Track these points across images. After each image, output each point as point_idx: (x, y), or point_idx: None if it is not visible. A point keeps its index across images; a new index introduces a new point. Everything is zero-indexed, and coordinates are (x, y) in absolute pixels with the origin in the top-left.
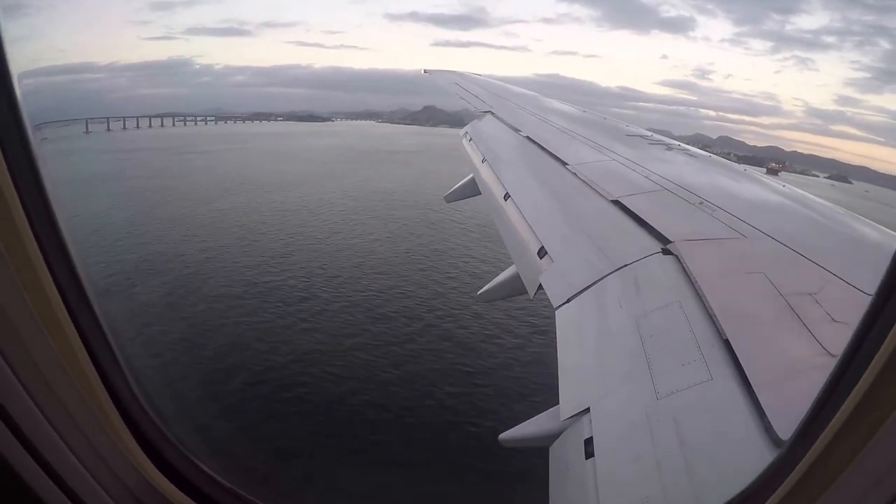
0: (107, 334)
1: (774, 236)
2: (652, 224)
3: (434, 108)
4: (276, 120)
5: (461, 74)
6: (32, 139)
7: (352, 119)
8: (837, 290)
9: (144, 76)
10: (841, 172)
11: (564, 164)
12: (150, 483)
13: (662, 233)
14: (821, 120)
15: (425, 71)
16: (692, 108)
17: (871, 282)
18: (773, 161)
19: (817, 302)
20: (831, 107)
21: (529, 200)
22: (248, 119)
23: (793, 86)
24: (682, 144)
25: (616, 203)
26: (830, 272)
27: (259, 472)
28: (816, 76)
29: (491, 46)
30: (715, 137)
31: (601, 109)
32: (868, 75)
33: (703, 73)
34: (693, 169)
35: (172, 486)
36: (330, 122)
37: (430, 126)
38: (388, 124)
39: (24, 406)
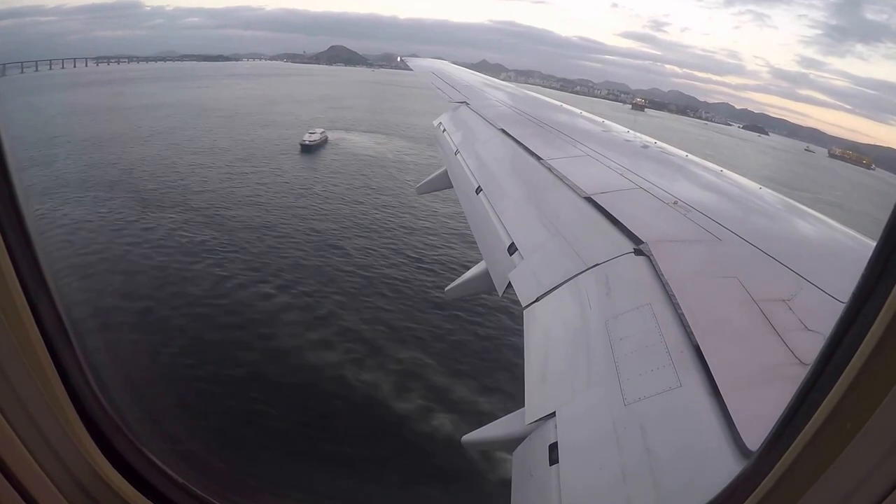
0: (66, 325)
1: (749, 239)
2: (625, 223)
3: (341, 47)
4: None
5: (435, 68)
6: None
7: (266, 60)
8: (811, 297)
9: (97, 18)
10: (789, 132)
11: (539, 158)
12: (102, 478)
13: (635, 232)
14: (787, 83)
15: (400, 59)
16: (658, 64)
17: (845, 289)
18: (634, 100)
19: (790, 309)
20: (794, 68)
21: (501, 195)
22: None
23: (753, 44)
24: (659, 142)
25: (589, 200)
26: (804, 278)
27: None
28: (776, 34)
29: None
30: (666, 91)
31: (565, 62)
32: (819, 32)
33: (658, 25)
34: (669, 168)
35: (125, 482)
36: (238, 63)
37: (325, 65)
38: (291, 63)
39: None
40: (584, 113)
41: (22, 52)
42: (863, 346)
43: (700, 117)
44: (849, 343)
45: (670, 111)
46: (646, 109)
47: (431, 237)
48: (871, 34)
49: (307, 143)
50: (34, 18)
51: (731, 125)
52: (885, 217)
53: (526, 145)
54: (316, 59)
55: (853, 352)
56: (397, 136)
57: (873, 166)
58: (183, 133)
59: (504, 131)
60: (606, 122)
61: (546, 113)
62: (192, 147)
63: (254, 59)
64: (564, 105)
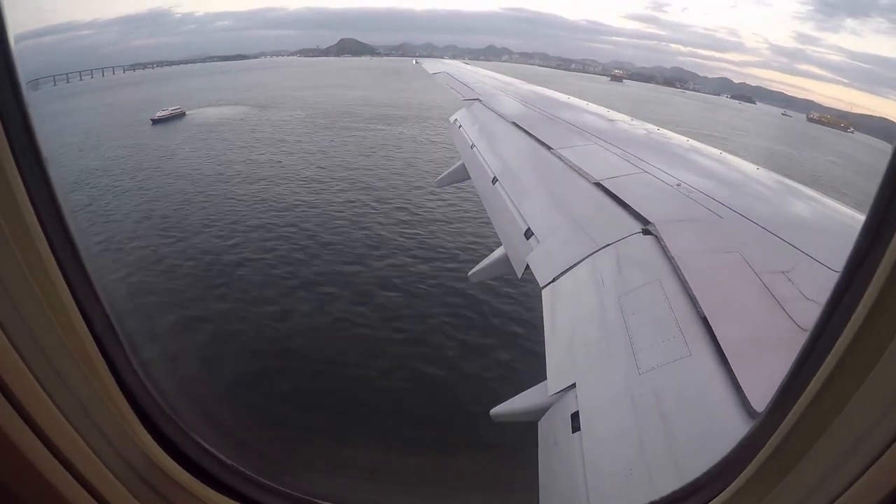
0: (109, 315)
1: (749, 217)
2: (632, 206)
3: (351, 40)
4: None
5: (449, 69)
6: (33, 118)
7: (285, 56)
8: (809, 269)
9: (131, 28)
10: (785, 103)
11: (549, 148)
12: (155, 462)
13: (643, 214)
14: (786, 58)
15: (416, 61)
16: (663, 43)
17: (840, 261)
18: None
19: (790, 280)
20: (791, 44)
21: (516, 184)
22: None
23: (751, 21)
24: (661, 129)
25: (598, 185)
26: (801, 251)
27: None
28: (771, 11)
29: None
30: (669, 68)
31: (575, 45)
32: (811, 7)
33: (659, 6)
34: (672, 153)
35: (177, 465)
36: (252, 60)
37: (334, 56)
38: (304, 58)
39: (32, 390)
40: (590, 105)
41: (64, 65)
42: (857, 311)
43: (687, 88)
44: (845, 308)
45: (656, 83)
46: (624, 81)
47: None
48: (859, 9)
49: (157, 118)
50: (73, 33)
51: (718, 95)
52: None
53: (537, 137)
54: (326, 52)
55: (848, 317)
56: (249, 106)
57: (851, 130)
58: (85, 122)
59: (516, 125)
60: (611, 112)
61: (554, 106)
62: (74, 130)
63: (275, 55)
64: (571, 99)
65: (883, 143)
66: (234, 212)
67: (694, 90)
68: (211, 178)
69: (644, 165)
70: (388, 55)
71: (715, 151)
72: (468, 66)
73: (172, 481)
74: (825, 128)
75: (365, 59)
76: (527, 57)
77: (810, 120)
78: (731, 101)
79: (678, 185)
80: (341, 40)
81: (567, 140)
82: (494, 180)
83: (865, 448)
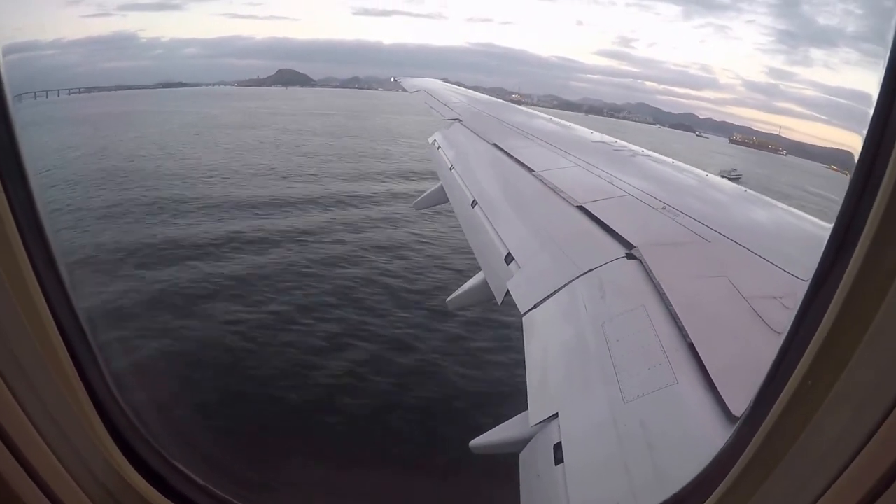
0: (86, 332)
1: (738, 241)
2: (616, 229)
3: (289, 70)
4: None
5: (428, 87)
6: (16, 128)
7: (230, 86)
8: (801, 293)
9: (96, 50)
10: (752, 138)
11: (530, 170)
12: (130, 484)
13: (626, 238)
14: (763, 95)
15: (394, 79)
16: (638, 81)
17: None
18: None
19: (784, 306)
20: (764, 79)
21: (496, 207)
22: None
23: (722, 57)
24: (646, 150)
25: (581, 209)
26: (796, 277)
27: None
28: (740, 45)
29: (409, 14)
30: (635, 104)
31: (547, 82)
32: (772, 38)
33: (626, 42)
34: (657, 175)
35: (151, 487)
36: (192, 88)
37: (267, 87)
38: (239, 87)
39: (7, 405)
40: (574, 125)
41: (29, 84)
42: (827, 316)
43: (614, 117)
44: (815, 313)
45: (582, 111)
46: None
47: None
48: (822, 38)
49: None
50: (38, 52)
51: (654, 125)
52: None
53: (518, 158)
54: (263, 82)
55: (819, 321)
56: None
57: (784, 152)
58: None
59: (496, 146)
60: (596, 133)
61: (537, 128)
62: None
63: (220, 85)
64: (554, 118)
65: (813, 164)
66: None
67: (624, 119)
68: None
69: (629, 188)
70: (324, 86)
71: (702, 173)
72: (449, 86)
73: (144, 501)
74: (746, 149)
75: (280, 89)
76: (484, 92)
77: (732, 142)
78: (652, 126)
79: (664, 207)
80: (279, 71)
81: (549, 162)
82: (474, 203)
83: (841, 449)
